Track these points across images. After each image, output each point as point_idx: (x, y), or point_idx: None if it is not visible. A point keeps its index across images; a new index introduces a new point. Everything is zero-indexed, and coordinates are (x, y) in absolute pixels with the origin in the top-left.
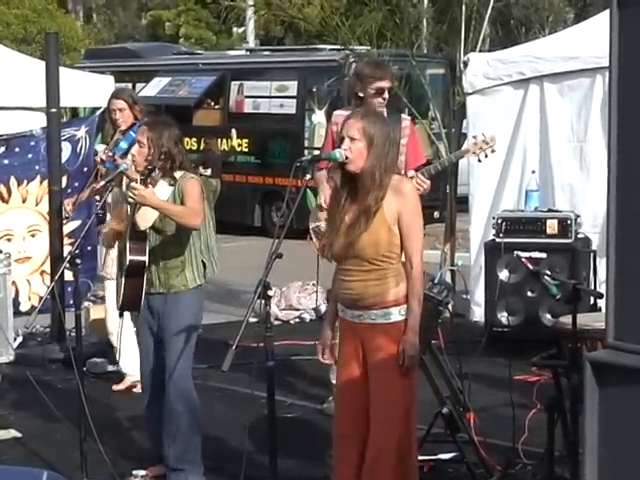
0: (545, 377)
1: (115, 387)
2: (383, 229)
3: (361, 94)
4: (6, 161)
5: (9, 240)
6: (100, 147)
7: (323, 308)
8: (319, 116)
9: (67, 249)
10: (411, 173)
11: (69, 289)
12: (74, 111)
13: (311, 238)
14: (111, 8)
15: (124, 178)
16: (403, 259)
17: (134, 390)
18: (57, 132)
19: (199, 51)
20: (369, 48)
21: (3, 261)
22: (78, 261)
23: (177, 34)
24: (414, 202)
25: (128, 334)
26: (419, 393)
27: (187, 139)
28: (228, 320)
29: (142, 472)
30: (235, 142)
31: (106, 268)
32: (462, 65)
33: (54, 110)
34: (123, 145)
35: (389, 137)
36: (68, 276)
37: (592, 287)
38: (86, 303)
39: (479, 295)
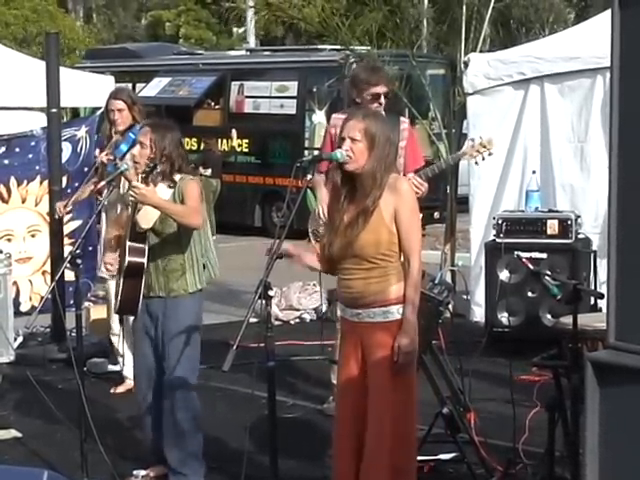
0: (545, 377)
1: (114, 390)
2: (382, 228)
3: (358, 100)
4: (6, 161)
5: (9, 240)
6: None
7: (324, 308)
8: (319, 116)
9: (67, 249)
10: (410, 176)
11: (70, 289)
12: (74, 111)
13: (310, 240)
14: (111, 8)
15: (122, 180)
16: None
17: (134, 391)
18: (57, 132)
19: (199, 51)
20: (369, 48)
21: (3, 261)
22: (79, 261)
23: (177, 34)
24: (411, 201)
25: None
26: (420, 393)
27: (187, 139)
28: (229, 320)
29: (142, 472)
30: (235, 142)
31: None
32: (462, 65)
33: (54, 110)
34: (123, 147)
35: (389, 138)
36: (69, 276)
37: (592, 287)
38: (86, 303)
39: (479, 295)
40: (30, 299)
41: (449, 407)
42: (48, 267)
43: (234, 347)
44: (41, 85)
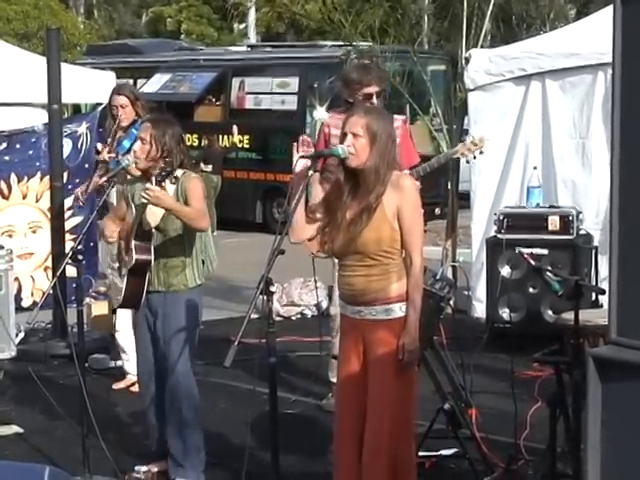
0: (546, 373)
1: (115, 385)
2: (384, 225)
3: (350, 100)
4: (7, 157)
5: (10, 236)
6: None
7: (324, 304)
8: (320, 112)
9: (69, 245)
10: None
11: (72, 285)
12: (75, 107)
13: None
14: (112, 5)
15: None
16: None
17: (132, 389)
18: (59, 128)
19: (200, 47)
20: (371, 44)
21: (5, 257)
22: (80, 257)
23: (178, 30)
24: (414, 198)
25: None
26: (421, 389)
27: (188, 135)
28: (230, 316)
29: (144, 468)
30: (236, 138)
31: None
32: (464, 61)
33: (56, 106)
34: (126, 144)
35: (391, 134)
36: (70, 272)
37: (593, 283)
38: (87, 299)
39: (480, 291)
40: (32, 295)
41: (450, 403)
42: (50, 263)
43: (235, 343)
44: (42, 81)
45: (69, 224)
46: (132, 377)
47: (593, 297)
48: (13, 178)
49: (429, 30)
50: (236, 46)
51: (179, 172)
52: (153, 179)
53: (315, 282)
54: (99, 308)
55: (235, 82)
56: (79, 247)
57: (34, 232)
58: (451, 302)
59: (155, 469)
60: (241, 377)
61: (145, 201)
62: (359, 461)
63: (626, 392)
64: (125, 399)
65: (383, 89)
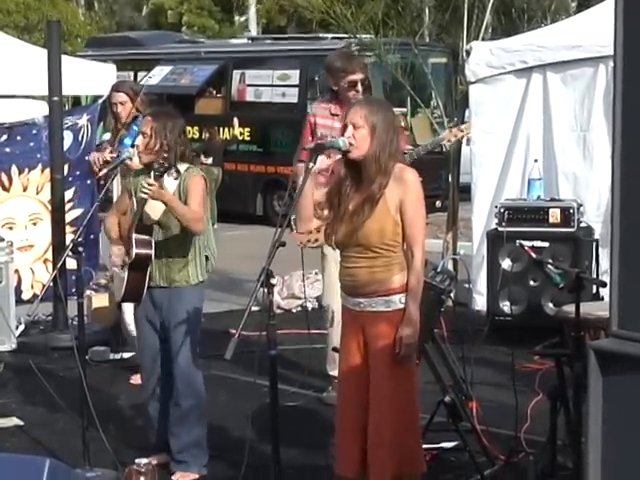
0: (547, 366)
1: (133, 380)
2: (387, 217)
3: (335, 88)
4: (7, 149)
5: (10, 228)
6: (106, 136)
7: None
8: None
9: (69, 237)
10: None
11: (72, 277)
12: (76, 99)
13: (292, 229)
14: None
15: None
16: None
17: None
18: (59, 120)
19: (201, 39)
20: (372, 36)
21: (5, 249)
22: (81, 249)
23: (179, 22)
24: (417, 191)
25: None
26: (421, 382)
27: (189, 128)
28: (230, 309)
29: (145, 460)
30: (237, 131)
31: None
32: (465, 54)
33: (56, 98)
34: (127, 142)
35: (393, 124)
36: (71, 264)
37: (594, 276)
38: (88, 292)
39: (481, 284)
40: (32, 287)
41: (451, 395)
42: (49, 255)
43: (236, 335)
44: (43, 73)
45: (69, 216)
46: None
47: (594, 290)
48: (14, 170)
49: (430, 23)
50: (237, 38)
51: (182, 167)
52: (152, 173)
53: (303, 275)
54: (99, 300)
55: (236, 74)
56: (79, 239)
57: (34, 224)
58: (452, 295)
59: (155, 461)
60: (241, 370)
61: (144, 195)
62: (360, 453)
63: (627, 385)
64: (126, 391)
65: (367, 77)
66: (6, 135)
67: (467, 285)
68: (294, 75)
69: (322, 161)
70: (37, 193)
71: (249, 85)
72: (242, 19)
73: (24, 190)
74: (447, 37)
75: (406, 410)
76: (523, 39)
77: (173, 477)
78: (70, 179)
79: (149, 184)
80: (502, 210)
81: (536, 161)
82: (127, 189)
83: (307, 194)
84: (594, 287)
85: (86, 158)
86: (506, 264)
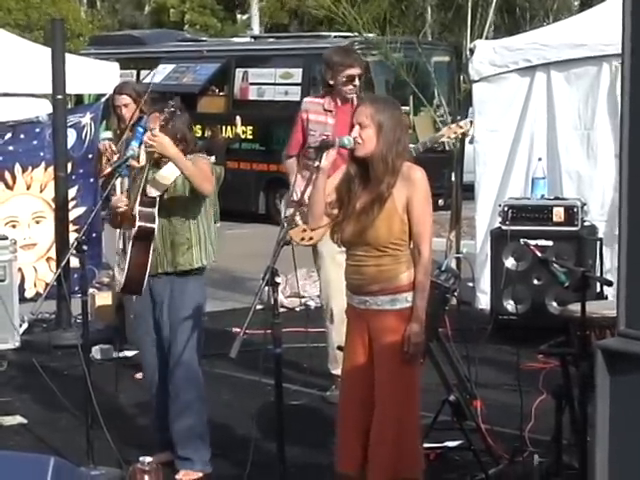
0: (551, 365)
1: (139, 375)
2: (394, 216)
3: (331, 82)
4: (11, 147)
5: (14, 227)
6: (106, 134)
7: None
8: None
9: (72, 236)
10: None
11: (75, 275)
12: (78, 98)
13: (283, 226)
14: None
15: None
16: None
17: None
18: (63, 119)
19: (203, 38)
20: (374, 35)
21: (9, 247)
22: (85, 247)
23: (182, 21)
24: (424, 190)
25: None
26: (426, 380)
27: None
28: (233, 307)
29: (149, 459)
30: (239, 129)
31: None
32: (468, 52)
33: (60, 97)
34: (134, 144)
35: (400, 123)
36: (74, 263)
37: (598, 275)
38: (91, 290)
39: (485, 283)
40: (35, 285)
41: (455, 394)
42: (53, 254)
43: (241, 334)
44: (45, 72)
45: (72, 215)
46: None
47: (598, 289)
48: (17, 168)
49: (432, 21)
50: (239, 37)
51: (189, 157)
52: (157, 125)
53: (296, 273)
54: (103, 299)
55: (238, 73)
56: (83, 238)
57: (38, 222)
58: (456, 293)
59: (160, 460)
60: (245, 368)
61: (150, 148)
62: (361, 451)
63: (634, 384)
64: (129, 390)
65: (364, 72)
66: (10, 133)
67: (471, 284)
68: (297, 73)
69: (329, 155)
70: (40, 191)
71: (252, 83)
72: (244, 17)
73: (27, 188)
74: (449, 36)
75: (408, 410)
76: (527, 38)
77: (177, 476)
78: (73, 177)
79: (154, 135)
80: (506, 209)
81: (540, 160)
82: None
83: (319, 191)
84: (597, 286)
85: (89, 156)
86: (510, 263)
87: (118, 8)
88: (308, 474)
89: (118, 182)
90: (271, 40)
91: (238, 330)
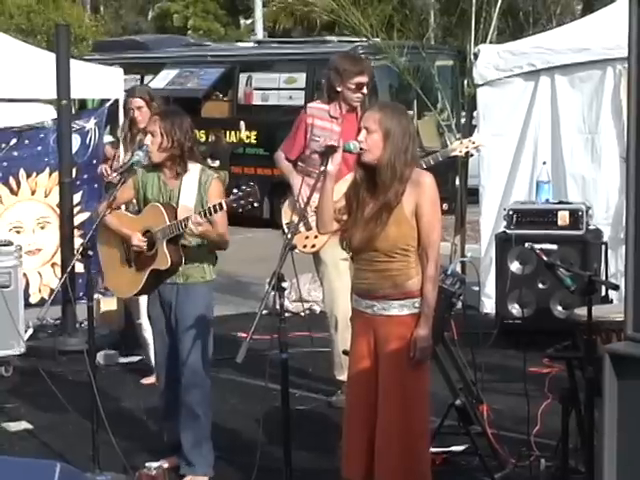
0: (556, 369)
1: (145, 380)
2: (403, 223)
3: (339, 89)
4: (15, 153)
5: (18, 232)
6: (107, 138)
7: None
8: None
9: (77, 241)
10: None
11: (80, 281)
12: (81, 103)
13: (284, 233)
14: (118, 0)
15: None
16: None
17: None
18: (68, 124)
19: (207, 43)
20: (379, 39)
21: (14, 253)
22: (90, 253)
23: (185, 26)
24: (433, 195)
25: None
26: (432, 385)
27: (195, 131)
28: (237, 312)
29: (155, 464)
30: (244, 134)
31: None
32: (472, 56)
33: (65, 102)
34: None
35: (408, 131)
36: (79, 268)
37: (603, 279)
38: (96, 295)
39: (490, 287)
40: (39, 291)
41: (461, 399)
42: (57, 259)
43: (248, 338)
44: (49, 77)
45: (77, 220)
46: None
47: (603, 292)
48: (22, 174)
49: (436, 26)
50: (243, 42)
51: (194, 166)
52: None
53: (297, 280)
54: (107, 304)
55: (242, 78)
56: (88, 243)
57: (42, 228)
58: (461, 298)
59: (166, 465)
60: (250, 372)
61: (194, 231)
62: (368, 458)
63: None
64: (135, 395)
65: (372, 80)
66: (14, 139)
67: (476, 288)
68: (300, 78)
69: (335, 158)
70: (45, 197)
71: (255, 88)
72: (248, 22)
73: (32, 194)
74: (453, 40)
75: (415, 416)
76: (531, 42)
77: None
78: (78, 183)
79: (198, 223)
80: (511, 213)
81: (544, 164)
82: (134, 182)
83: (327, 196)
84: (603, 290)
85: (94, 162)
86: (515, 267)
87: (122, 13)
88: (314, 479)
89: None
90: (275, 45)
91: (244, 335)
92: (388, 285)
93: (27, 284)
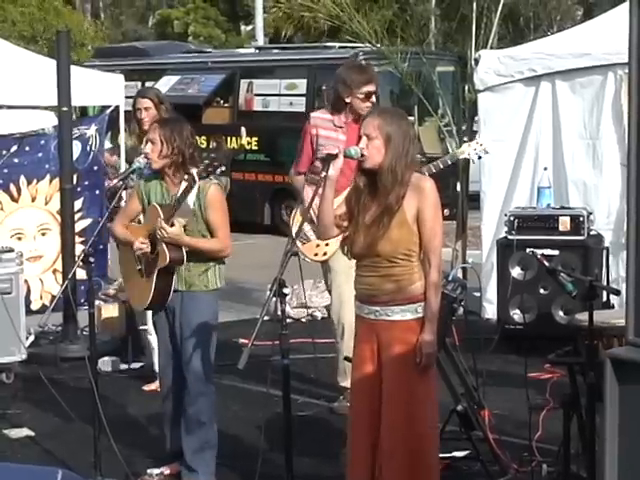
0: (558, 374)
1: (147, 387)
2: (404, 228)
3: (348, 100)
4: (16, 160)
5: (19, 239)
6: (107, 144)
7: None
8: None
9: (78, 248)
10: None
11: (82, 287)
12: (82, 109)
13: (302, 242)
14: (118, 7)
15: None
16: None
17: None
18: (69, 131)
19: (208, 49)
20: (379, 46)
21: (15, 260)
22: (91, 259)
23: (186, 32)
24: (434, 200)
25: None
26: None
27: (196, 137)
28: (238, 318)
29: (156, 471)
30: (245, 140)
31: None
32: (473, 62)
33: (66, 109)
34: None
35: (408, 135)
36: (80, 275)
37: (605, 284)
38: (97, 302)
39: (491, 293)
40: (40, 298)
41: (463, 404)
42: (58, 265)
43: (249, 345)
44: (50, 83)
45: (78, 227)
46: None
47: (604, 298)
48: (22, 180)
49: (437, 31)
50: (244, 48)
51: (194, 170)
52: (161, 216)
53: (302, 285)
54: (109, 311)
55: (243, 84)
56: (90, 250)
57: (43, 235)
58: (463, 303)
59: (168, 472)
60: (252, 379)
61: (163, 235)
62: (373, 465)
63: None
64: (137, 401)
65: (378, 87)
66: (15, 146)
67: (477, 294)
68: (301, 84)
69: (336, 164)
70: (46, 203)
71: (256, 94)
72: (249, 28)
73: (33, 201)
74: (454, 45)
75: (421, 421)
76: (531, 47)
77: None
78: (79, 189)
79: (163, 230)
80: (512, 218)
81: (545, 169)
82: (138, 192)
83: (328, 201)
84: (604, 295)
85: (95, 168)
86: (516, 272)
87: (122, 20)
88: None
89: (125, 193)
90: (276, 51)
91: (245, 341)
92: (390, 290)
93: (28, 291)
